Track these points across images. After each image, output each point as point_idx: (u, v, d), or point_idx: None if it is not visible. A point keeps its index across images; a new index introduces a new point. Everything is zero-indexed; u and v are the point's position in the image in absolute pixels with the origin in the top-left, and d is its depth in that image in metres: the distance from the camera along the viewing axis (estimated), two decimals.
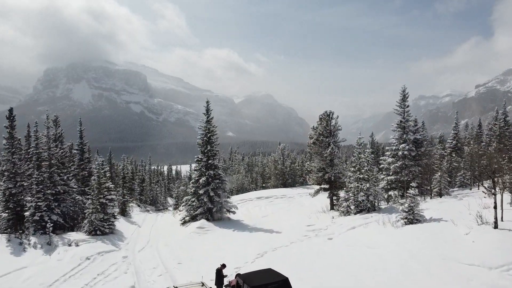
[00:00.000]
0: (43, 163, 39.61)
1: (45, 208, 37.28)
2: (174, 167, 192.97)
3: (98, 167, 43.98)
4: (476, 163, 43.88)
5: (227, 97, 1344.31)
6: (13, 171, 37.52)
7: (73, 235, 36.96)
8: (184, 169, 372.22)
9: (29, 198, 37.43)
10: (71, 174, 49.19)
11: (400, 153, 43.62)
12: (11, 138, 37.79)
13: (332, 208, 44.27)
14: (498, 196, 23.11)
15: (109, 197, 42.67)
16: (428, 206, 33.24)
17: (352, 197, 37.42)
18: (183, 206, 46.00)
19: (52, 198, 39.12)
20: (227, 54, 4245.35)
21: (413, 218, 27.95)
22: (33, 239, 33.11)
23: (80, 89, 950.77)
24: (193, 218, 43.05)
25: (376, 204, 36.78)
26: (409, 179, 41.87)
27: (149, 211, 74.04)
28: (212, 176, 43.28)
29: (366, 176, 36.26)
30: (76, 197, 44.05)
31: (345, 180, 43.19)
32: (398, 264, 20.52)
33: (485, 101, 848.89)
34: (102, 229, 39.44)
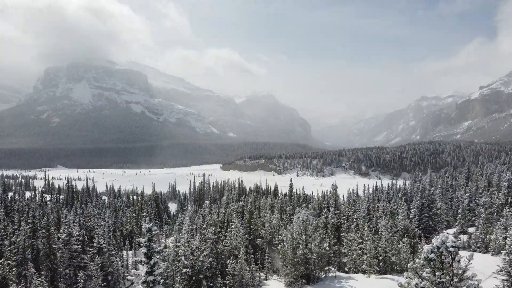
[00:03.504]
0: None
1: None
2: (169, 188, 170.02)
3: None
4: None
5: (229, 97, 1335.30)
6: None
7: None
8: (184, 172, 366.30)
9: None
10: None
11: None
12: None
13: None
14: None
15: None
16: None
17: None
18: None
19: None
20: (229, 53, 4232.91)
21: None
22: None
23: (81, 89, 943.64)
24: None
25: None
26: None
27: None
28: None
29: None
30: None
31: None
32: None
33: (489, 103, 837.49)
34: None
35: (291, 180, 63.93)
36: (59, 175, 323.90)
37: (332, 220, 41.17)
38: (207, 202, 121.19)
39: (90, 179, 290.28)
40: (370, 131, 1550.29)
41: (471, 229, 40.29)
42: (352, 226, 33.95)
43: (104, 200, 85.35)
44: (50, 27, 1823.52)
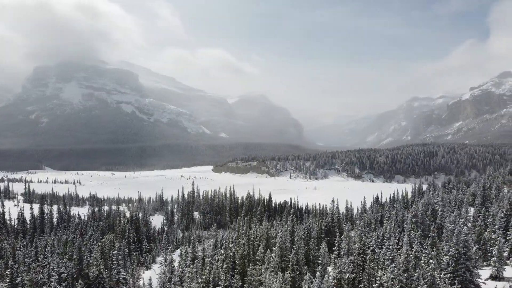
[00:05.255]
0: None
1: None
2: (156, 197, 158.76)
3: None
4: None
5: (221, 97, 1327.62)
6: None
7: None
8: (174, 175, 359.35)
9: None
10: None
11: None
12: None
13: None
14: None
15: None
16: None
17: None
18: None
19: None
20: (222, 53, 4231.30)
21: None
22: None
23: (70, 89, 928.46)
24: None
25: None
26: None
27: None
28: None
29: None
30: None
31: None
32: None
33: (480, 104, 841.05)
34: None
35: (292, 212, 58.26)
36: (46, 178, 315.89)
37: (347, 275, 32.19)
38: (196, 214, 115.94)
39: (77, 182, 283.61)
40: (362, 132, 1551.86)
41: (507, 272, 35.02)
42: (374, 286, 27.86)
43: (79, 221, 76.58)
44: (40, 25, 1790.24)
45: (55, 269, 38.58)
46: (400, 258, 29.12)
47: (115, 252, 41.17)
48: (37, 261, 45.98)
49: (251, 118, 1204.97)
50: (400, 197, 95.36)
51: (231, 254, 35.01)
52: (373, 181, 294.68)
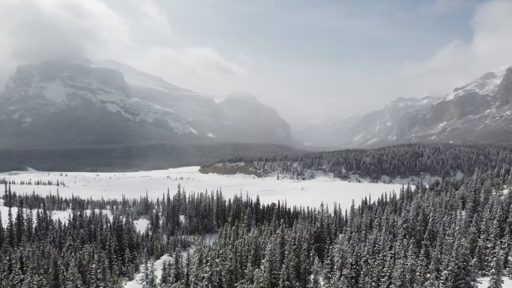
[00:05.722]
0: None
1: None
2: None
3: None
4: None
5: (208, 97, 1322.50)
6: None
7: None
8: (161, 175, 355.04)
9: None
10: None
11: None
12: None
13: None
14: None
15: None
16: None
17: None
18: None
19: None
20: (209, 53, 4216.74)
21: None
22: None
23: (54, 88, 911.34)
24: None
25: None
26: None
27: None
28: None
29: None
30: None
31: None
32: None
33: (464, 105, 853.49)
34: None
35: (282, 222, 56.10)
36: (29, 179, 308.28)
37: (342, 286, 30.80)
38: (182, 218, 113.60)
39: (61, 183, 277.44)
40: (348, 132, 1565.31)
41: (505, 284, 34.00)
42: None
43: (58, 229, 73.24)
44: (24, 24, 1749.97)
45: None
46: (396, 273, 27.99)
47: (94, 265, 38.96)
48: (10, 275, 43.28)
49: (238, 118, 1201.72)
50: (388, 200, 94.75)
51: (217, 270, 33.26)
52: (359, 181, 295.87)
